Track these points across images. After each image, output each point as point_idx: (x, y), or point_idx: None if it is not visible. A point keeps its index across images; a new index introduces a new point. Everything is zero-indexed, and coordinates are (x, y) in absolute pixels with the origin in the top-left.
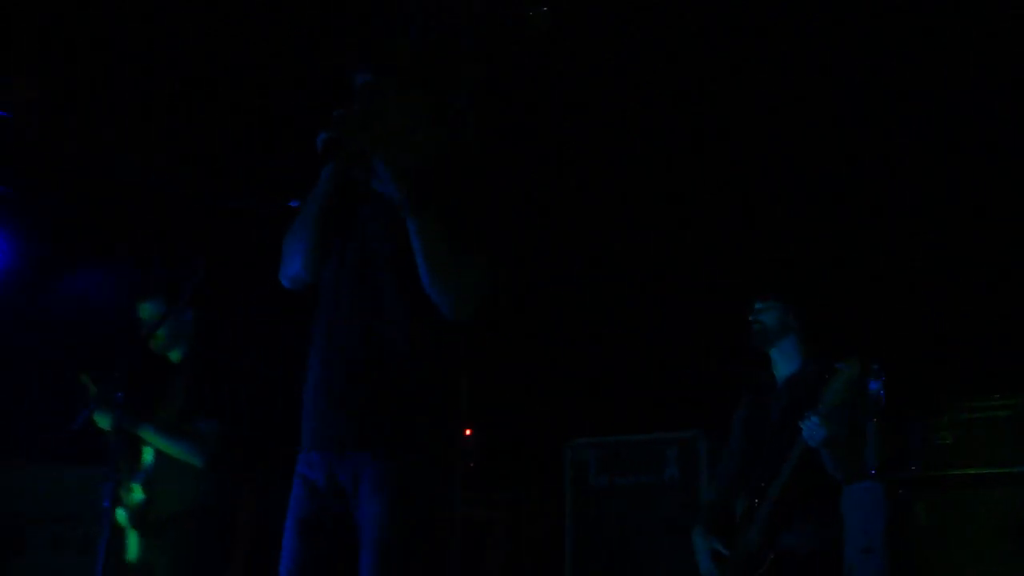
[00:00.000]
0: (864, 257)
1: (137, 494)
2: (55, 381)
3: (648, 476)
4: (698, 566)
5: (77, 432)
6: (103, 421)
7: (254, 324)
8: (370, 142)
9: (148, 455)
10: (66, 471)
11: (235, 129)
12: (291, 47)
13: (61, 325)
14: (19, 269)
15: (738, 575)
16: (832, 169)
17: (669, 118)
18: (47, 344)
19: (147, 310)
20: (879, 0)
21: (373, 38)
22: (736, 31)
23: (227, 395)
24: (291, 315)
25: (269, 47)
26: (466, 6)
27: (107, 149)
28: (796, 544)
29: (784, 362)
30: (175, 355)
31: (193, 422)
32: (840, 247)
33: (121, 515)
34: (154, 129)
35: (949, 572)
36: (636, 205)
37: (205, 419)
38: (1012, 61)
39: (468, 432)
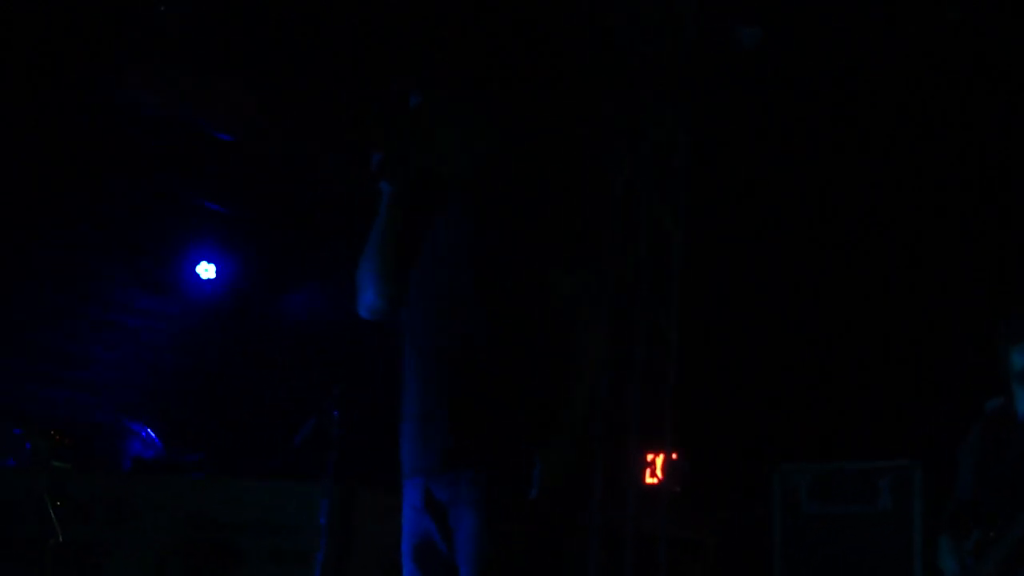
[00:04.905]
0: None
1: None
2: (277, 397)
3: (859, 505)
4: (943, 567)
5: (298, 450)
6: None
7: None
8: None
9: None
10: (283, 484)
11: None
12: None
13: (280, 343)
14: (238, 289)
15: None
16: None
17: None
18: (267, 361)
19: None
20: None
21: (423, 56)
22: None
23: None
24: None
25: None
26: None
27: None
28: None
29: None
30: None
31: None
32: None
33: None
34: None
35: None
36: (851, 225)
37: None
38: None
39: (676, 456)
